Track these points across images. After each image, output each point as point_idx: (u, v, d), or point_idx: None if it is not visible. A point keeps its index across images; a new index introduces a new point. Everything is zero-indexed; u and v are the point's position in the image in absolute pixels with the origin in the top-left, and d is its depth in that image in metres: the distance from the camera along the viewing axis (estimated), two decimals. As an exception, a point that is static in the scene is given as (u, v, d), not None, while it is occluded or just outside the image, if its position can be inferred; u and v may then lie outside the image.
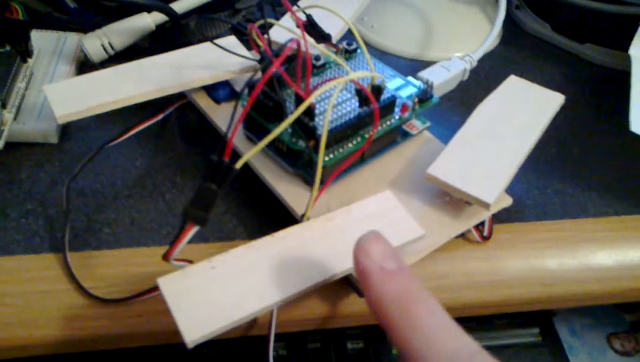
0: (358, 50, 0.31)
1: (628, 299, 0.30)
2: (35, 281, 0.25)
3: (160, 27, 0.35)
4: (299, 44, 0.24)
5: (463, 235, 0.28)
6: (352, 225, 0.23)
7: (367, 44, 0.42)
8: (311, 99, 0.22)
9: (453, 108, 0.36)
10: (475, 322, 0.33)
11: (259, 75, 0.25)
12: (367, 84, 0.26)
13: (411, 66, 0.40)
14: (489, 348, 0.34)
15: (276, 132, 0.21)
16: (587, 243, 0.29)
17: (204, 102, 0.31)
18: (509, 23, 0.47)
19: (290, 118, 0.22)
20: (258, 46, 0.27)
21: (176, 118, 0.33)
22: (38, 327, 0.24)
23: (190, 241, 0.21)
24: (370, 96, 0.24)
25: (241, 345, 0.29)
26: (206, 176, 0.20)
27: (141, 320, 0.24)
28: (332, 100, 0.23)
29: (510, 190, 0.27)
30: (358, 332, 0.30)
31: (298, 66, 0.25)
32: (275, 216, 0.27)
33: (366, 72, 0.29)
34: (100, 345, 0.25)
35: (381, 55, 0.41)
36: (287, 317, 0.25)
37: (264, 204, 0.28)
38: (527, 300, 0.28)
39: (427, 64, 0.33)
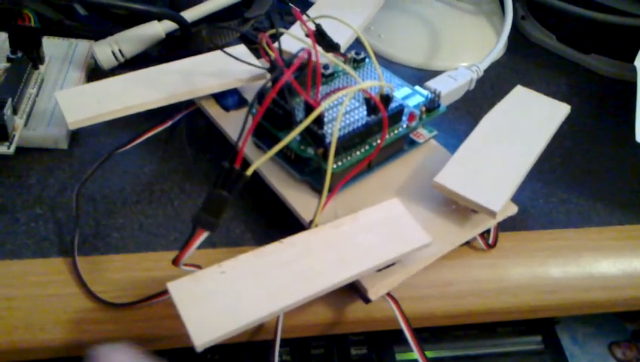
0: (367, 60, 0.32)
1: (631, 308, 0.30)
2: (43, 285, 0.25)
3: (170, 35, 0.36)
4: (309, 54, 0.24)
5: (468, 243, 0.28)
6: (359, 232, 0.23)
7: (374, 54, 0.42)
8: (322, 108, 0.22)
9: (459, 117, 0.36)
10: (478, 329, 0.33)
11: (269, 84, 0.26)
12: (376, 93, 0.26)
13: (418, 76, 0.41)
14: (491, 356, 0.34)
15: (287, 139, 0.21)
16: (591, 252, 0.29)
17: (214, 110, 0.31)
18: (515, 33, 0.47)
19: (301, 126, 0.22)
20: (268, 55, 0.27)
21: (186, 125, 0.33)
22: (46, 331, 0.24)
23: (198, 247, 0.21)
24: (380, 105, 0.25)
25: (245, 350, 0.29)
26: (217, 182, 0.21)
27: (148, 325, 0.25)
28: (342, 108, 0.23)
29: (515, 199, 0.27)
30: (361, 338, 0.31)
31: (308, 75, 0.25)
32: (283, 223, 0.27)
33: (375, 81, 0.30)
34: (108, 348, 0.25)
35: (388, 64, 0.42)
36: (293, 322, 0.25)
37: (272, 211, 0.29)
38: (531, 308, 0.28)
39: (434, 74, 0.34)
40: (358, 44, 0.33)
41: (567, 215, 0.31)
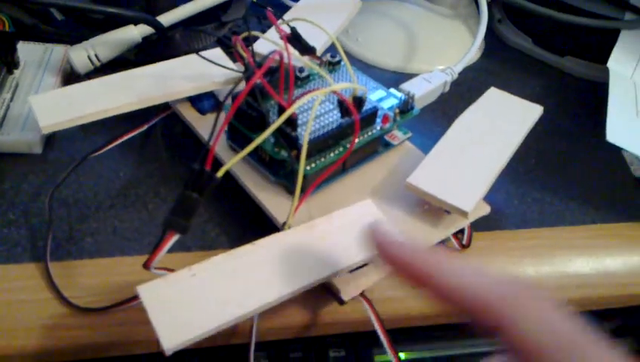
0: (342, 63, 0.32)
1: (605, 306, 0.30)
2: (15, 291, 0.25)
3: (146, 39, 0.36)
4: (281, 56, 0.24)
5: (443, 243, 0.28)
6: (332, 234, 0.23)
7: (352, 56, 0.43)
8: (292, 110, 0.23)
9: (435, 119, 0.36)
10: (456, 330, 0.33)
11: (243, 85, 0.26)
12: (349, 96, 0.26)
13: (395, 78, 0.41)
14: (470, 356, 0.34)
15: (258, 141, 0.22)
16: (564, 251, 0.30)
17: (189, 113, 0.31)
18: (492, 36, 0.48)
19: (272, 128, 0.22)
20: (242, 58, 0.27)
21: (161, 129, 0.33)
22: (18, 337, 0.24)
23: (172, 250, 0.21)
24: (351, 107, 0.25)
25: (223, 354, 0.29)
26: (187, 184, 0.21)
27: (122, 329, 0.24)
28: (313, 111, 0.23)
29: (490, 199, 0.27)
30: (339, 340, 0.31)
31: (281, 78, 0.25)
32: (258, 225, 0.27)
33: (348, 83, 0.30)
34: (81, 354, 0.25)
35: (365, 67, 0.42)
36: (268, 325, 0.25)
37: (247, 213, 0.29)
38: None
39: (411, 76, 0.34)
40: (335, 46, 0.33)
41: (540, 214, 0.31)
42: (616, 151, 0.33)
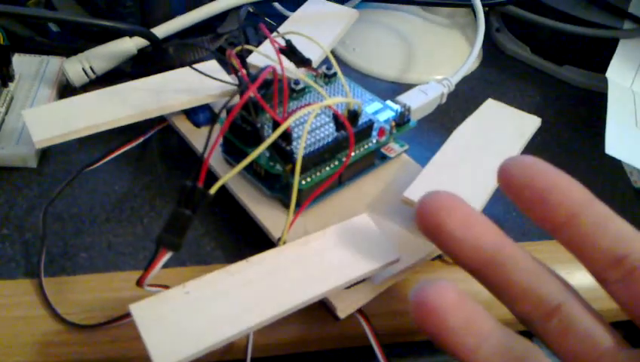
0: (338, 75, 0.32)
1: (609, 320, 0.30)
2: (9, 307, 0.25)
3: (142, 51, 0.35)
4: (274, 70, 0.24)
5: (440, 257, 0.28)
6: (327, 249, 0.23)
7: (349, 67, 0.43)
8: (286, 125, 0.22)
9: (434, 130, 0.36)
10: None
11: (237, 98, 0.25)
12: (344, 109, 0.26)
13: (392, 89, 0.41)
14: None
15: (252, 156, 0.21)
16: (565, 264, 0.29)
17: (185, 126, 0.31)
18: (490, 45, 0.47)
19: (265, 143, 0.22)
20: (236, 71, 0.27)
21: (157, 142, 0.33)
22: (12, 354, 0.24)
23: (167, 265, 0.21)
24: (345, 122, 0.25)
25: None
26: (180, 201, 0.20)
27: (116, 346, 0.24)
28: (307, 126, 0.23)
29: (489, 212, 0.27)
30: (336, 355, 0.30)
31: (274, 92, 0.25)
32: (254, 240, 0.27)
33: (342, 97, 0.30)
34: (74, 371, 0.25)
35: (362, 78, 0.42)
36: (264, 341, 0.25)
37: (243, 228, 0.28)
38: (506, 321, 0.28)
39: (408, 87, 0.34)
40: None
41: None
42: (616, 161, 0.33)
